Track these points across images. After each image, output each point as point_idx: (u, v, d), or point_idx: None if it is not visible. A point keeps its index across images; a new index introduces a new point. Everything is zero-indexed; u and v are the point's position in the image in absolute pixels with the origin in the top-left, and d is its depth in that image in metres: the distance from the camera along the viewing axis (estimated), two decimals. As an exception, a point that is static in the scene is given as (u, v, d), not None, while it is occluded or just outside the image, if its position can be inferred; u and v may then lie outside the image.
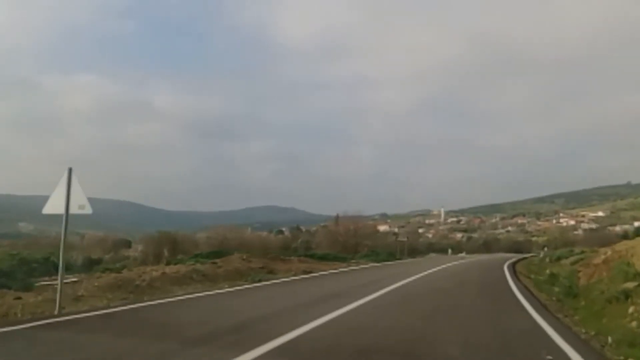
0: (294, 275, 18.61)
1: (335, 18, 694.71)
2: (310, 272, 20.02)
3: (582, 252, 31.77)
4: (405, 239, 46.38)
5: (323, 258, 27.49)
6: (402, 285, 14.65)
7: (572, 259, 28.96)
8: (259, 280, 15.57)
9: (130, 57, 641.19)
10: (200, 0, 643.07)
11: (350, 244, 49.40)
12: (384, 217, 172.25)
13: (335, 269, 22.95)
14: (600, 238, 68.41)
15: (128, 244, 77.81)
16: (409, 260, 38.66)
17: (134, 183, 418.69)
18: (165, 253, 25.81)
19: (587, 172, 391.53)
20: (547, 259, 34.58)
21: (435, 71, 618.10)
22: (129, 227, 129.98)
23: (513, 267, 28.85)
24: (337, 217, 54.29)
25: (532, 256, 57.00)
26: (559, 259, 32.14)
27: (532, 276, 24.13)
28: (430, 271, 22.57)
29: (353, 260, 29.88)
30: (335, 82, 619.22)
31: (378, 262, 32.76)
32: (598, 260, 18.01)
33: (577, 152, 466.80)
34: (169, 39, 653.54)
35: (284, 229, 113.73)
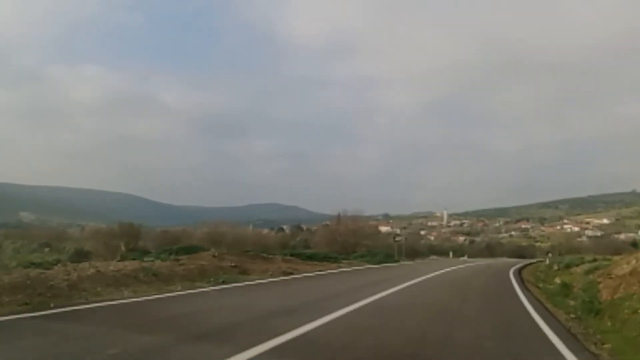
0: (270, 276, 16.11)
1: (342, 17, 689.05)
2: (291, 273, 17.49)
3: (594, 260, 29.17)
4: (403, 240, 43.45)
5: (311, 257, 24.87)
6: (389, 295, 12.07)
7: (584, 267, 26.32)
8: (223, 282, 13.10)
9: (137, 51, 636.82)
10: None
11: (349, 243, 47.12)
12: (387, 218, 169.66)
13: (320, 270, 20.40)
14: (607, 245, 65.62)
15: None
16: (407, 262, 35.93)
17: (140, 177, 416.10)
18: (122, 247, 23.13)
19: (593, 178, 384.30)
20: (555, 266, 31.90)
21: (442, 73, 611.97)
22: (134, 221, 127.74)
23: (519, 274, 26.16)
24: (338, 217, 51.70)
25: (537, 262, 54.30)
26: (568, 266, 29.49)
27: (541, 285, 21.51)
28: (427, 277, 19.93)
29: (345, 261, 27.21)
30: (341, 81, 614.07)
31: (373, 263, 30.20)
32: (621, 270, 15.43)
33: (583, 158, 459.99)
34: (176, 34, 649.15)
35: (285, 227, 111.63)
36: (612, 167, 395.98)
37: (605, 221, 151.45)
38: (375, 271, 22.56)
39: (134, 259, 15.02)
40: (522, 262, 49.52)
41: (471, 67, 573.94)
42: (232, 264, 16.00)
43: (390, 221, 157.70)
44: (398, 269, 25.04)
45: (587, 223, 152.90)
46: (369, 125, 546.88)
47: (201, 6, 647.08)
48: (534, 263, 50.53)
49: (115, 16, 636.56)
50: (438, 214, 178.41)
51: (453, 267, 29.39)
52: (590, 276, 18.31)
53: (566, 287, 18.36)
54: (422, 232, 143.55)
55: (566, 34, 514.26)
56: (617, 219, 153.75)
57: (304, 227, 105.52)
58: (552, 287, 20.74)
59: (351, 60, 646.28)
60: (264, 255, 21.89)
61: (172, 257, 15.98)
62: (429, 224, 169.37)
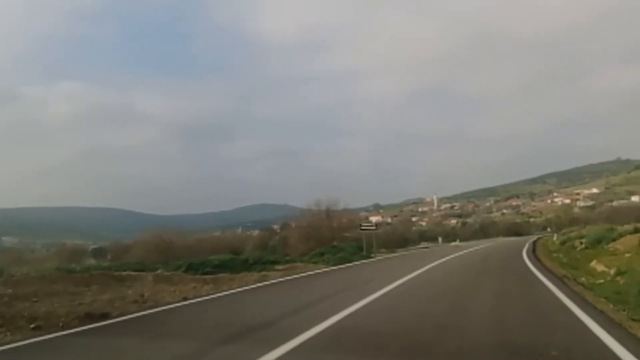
0: (35, 331, 6.88)
1: (321, 11, 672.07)
2: (107, 315, 8.23)
3: (637, 229, 20.26)
4: (373, 228, 33.90)
5: (223, 266, 15.50)
6: None
7: (629, 242, 17.38)
8: None
9: (113, 62, 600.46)
10: (182, 0, 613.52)
11: (326, 238, 39.40)
12: (377, 208, 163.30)
13: (208, 295, 11.06)
14: (619, 212, 57.22)
15: (104, 253, 67.53)
16: (379, 257, 26.68)
17: (124, 190, 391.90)
18: None
19: (577, 150, 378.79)
20: (578, 243, 23.02)
21: (423, 60, 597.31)
22: (121, 235, 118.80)
23: (540, 263, 17.03)
24: (327, 210, 44.27)
25: (538, 239, 46.12)
26: (599, 241, 20.61)
27: (584, 279, 12.45)
28: (385, 290, 10.70)
29: (279, 267, 17.75)
30: (323, 76, 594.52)
31: (333, 263, 21.16)
32: None
33: (565, 131, 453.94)
34: (150, 41, 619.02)
35: (275, 226, 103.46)
36: (595, 137, 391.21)
37: (595, 190, 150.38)
38: (315, 281, 13.29)
39: None
40: (525, 242, 41.02)
41: (451, 54, 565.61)
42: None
43: (381, 211, 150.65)
44: (356, 273, 15.83)
45: (578, 194, 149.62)
46: (354, 119, 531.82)
47: (177, 12, 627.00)
48: (538, 240, 42.19)
49: (85, 28, 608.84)
50: (428, 200, 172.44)
51: (438, 261, 19.98)
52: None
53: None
54: (414, 219, 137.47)
55: (536, 5, 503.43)
56: (606, 188, 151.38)
57: (293, 224, 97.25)
58: (603, 282, 11.68)
59: (331, 54, 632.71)
60: (126, 273, 12.66)
61: None
62: (420, 209, 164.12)
